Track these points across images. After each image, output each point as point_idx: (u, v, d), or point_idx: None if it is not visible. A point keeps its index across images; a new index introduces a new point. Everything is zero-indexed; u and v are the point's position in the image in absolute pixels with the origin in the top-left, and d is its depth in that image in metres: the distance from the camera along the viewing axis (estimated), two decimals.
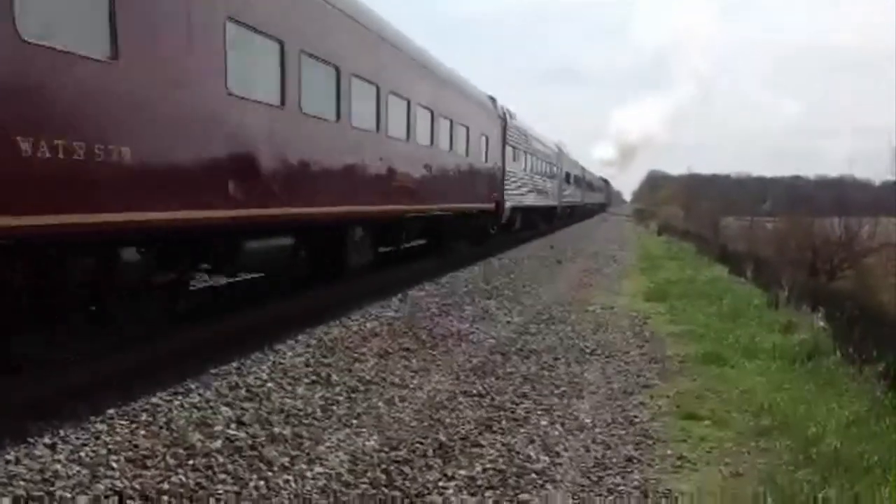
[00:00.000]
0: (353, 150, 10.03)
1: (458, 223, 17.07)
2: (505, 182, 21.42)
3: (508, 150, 22.02)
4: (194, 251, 7.18)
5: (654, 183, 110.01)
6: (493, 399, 6.17)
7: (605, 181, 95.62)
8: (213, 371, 6.25)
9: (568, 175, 41.21)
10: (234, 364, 6.52)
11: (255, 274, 9.61)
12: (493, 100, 20.55)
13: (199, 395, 5.59)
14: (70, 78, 5.12)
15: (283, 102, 7.94)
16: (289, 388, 5.99)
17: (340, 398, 5.87)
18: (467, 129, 16.68)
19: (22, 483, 3.86)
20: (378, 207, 11.09)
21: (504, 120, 21.50)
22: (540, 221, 31.24)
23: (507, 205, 21.77)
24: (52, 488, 3.85)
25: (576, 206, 48.08)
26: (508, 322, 9.85)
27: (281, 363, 6.72)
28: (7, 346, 5.34)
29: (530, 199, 26.63)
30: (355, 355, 7.30)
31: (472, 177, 17.49)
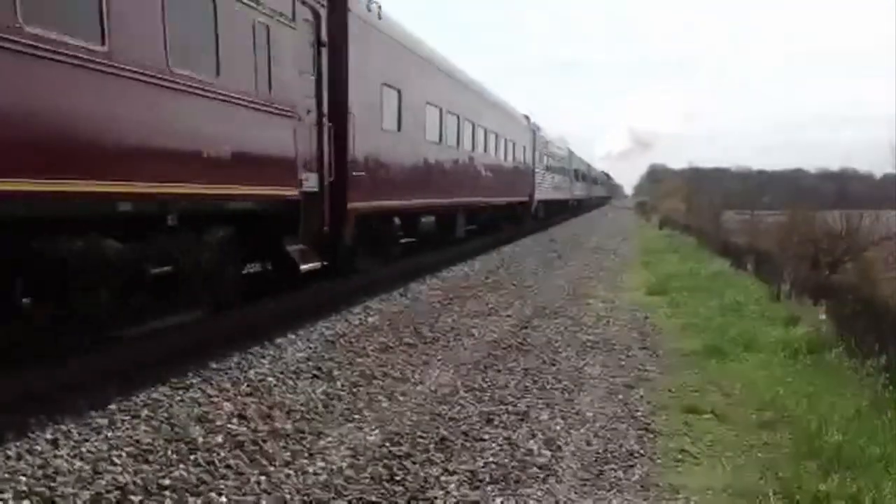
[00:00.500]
0: (464, 163, 17.00)
1: (506, 211, 23.41)
2: (534, 180, 27.81)
3: (536, 155, 28.24)
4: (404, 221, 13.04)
5: (655, 177, 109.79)
6: (494, 393, 6.17)
7: (608, 175, 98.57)
8: (214, 366, 6.25)
9: (577, 172, 46.63)
10: (235, 359, 6.53)
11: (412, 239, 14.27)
12: (527, 117, 27.49)
13: (201, 390, 5.60)
14: (389, 144, 11.75)
15: (440, 140, 14.80)
16: (290, 382, 5.99)
17: (342, 393, 5.87)
18: (514, 143, 23.52)
19: (23, 479, 3.86)
20: (471, 199, 17.84)
21: (534, 133, 28.02)
22: (556, 211, 37.14)
23: (536, 198, 28.16)
24: (53, 484, 3.84)
25: (582, 199, 52.80)
26: (509, 316, 9.84)
27: (282, 358, 6.73)
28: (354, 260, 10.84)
29: (551, 194, 33.39)
30: (357, 350, 7.30)
31: (517, 177, 24.36)
